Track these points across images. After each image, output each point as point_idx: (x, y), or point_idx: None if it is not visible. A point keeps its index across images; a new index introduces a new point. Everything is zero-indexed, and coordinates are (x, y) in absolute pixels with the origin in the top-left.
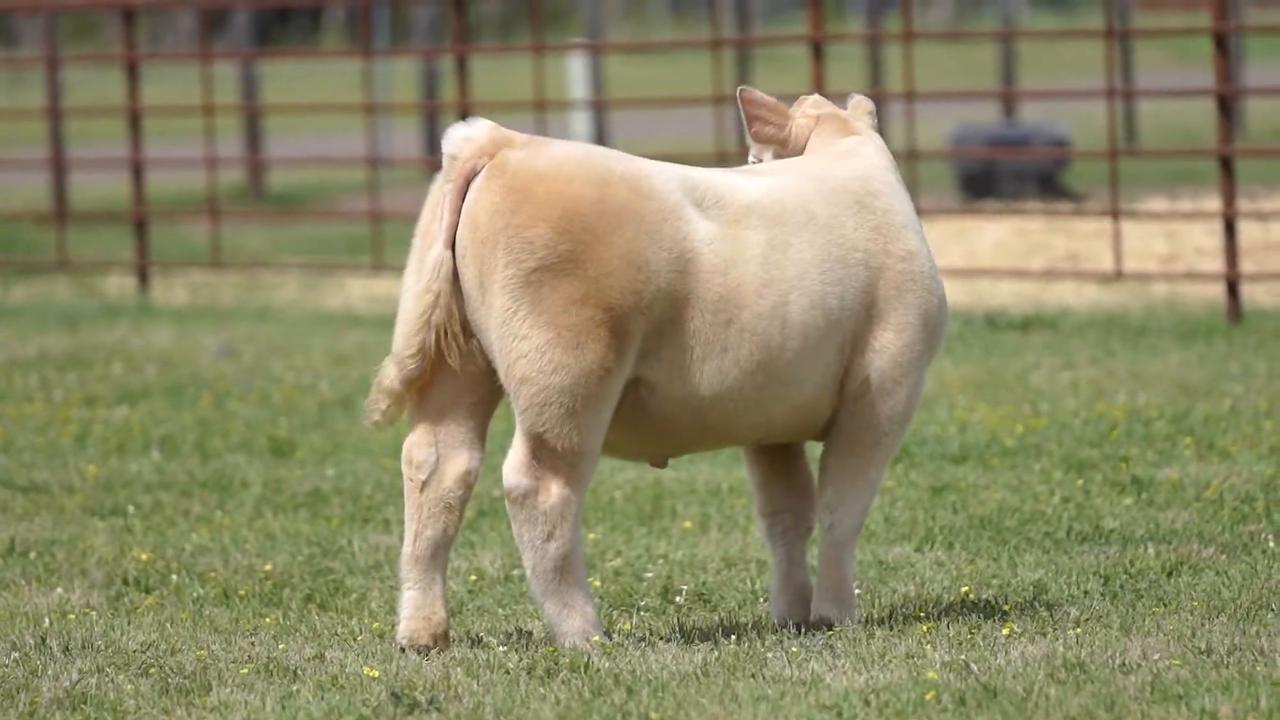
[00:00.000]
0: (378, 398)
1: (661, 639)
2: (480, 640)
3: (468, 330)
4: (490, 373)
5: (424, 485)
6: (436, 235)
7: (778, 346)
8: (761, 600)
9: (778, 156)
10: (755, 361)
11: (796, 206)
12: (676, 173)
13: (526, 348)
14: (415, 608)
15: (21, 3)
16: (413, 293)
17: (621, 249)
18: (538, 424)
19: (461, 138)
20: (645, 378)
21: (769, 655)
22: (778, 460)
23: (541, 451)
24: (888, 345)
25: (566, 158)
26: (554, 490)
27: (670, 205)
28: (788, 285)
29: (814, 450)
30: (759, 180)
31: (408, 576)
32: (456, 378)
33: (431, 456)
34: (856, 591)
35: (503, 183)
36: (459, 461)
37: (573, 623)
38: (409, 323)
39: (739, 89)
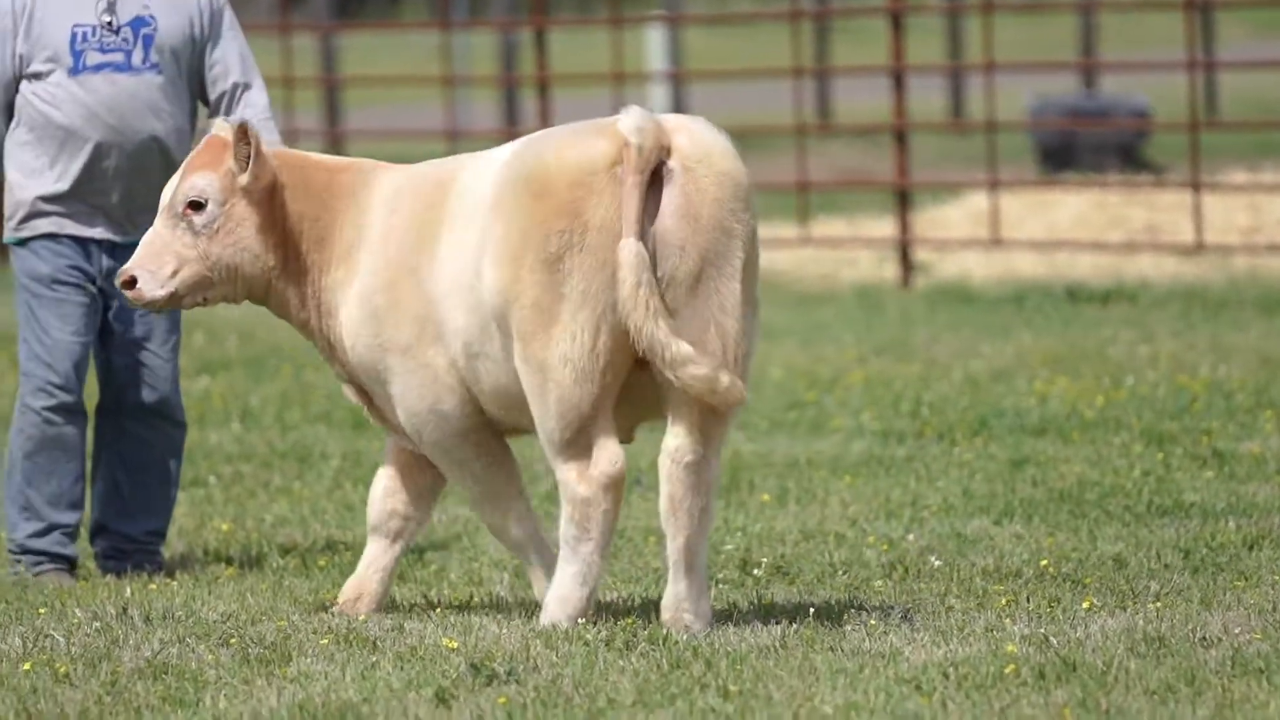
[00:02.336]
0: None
1: (740, 611)
2: None
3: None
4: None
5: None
6: (626, 229)
7: None
8: (841, 573)
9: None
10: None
11: None
12: None
13: (748, 322)
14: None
15: None
16: (630, 301)
17: None
18: (729, 392)
19: (637, 127)
20: None
21: (848, 628)
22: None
23: (712, 420)
24: None
25: (718, 132)
26: (714, 463)
27: None
28: None
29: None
30: None
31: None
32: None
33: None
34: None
35: (718, 172)
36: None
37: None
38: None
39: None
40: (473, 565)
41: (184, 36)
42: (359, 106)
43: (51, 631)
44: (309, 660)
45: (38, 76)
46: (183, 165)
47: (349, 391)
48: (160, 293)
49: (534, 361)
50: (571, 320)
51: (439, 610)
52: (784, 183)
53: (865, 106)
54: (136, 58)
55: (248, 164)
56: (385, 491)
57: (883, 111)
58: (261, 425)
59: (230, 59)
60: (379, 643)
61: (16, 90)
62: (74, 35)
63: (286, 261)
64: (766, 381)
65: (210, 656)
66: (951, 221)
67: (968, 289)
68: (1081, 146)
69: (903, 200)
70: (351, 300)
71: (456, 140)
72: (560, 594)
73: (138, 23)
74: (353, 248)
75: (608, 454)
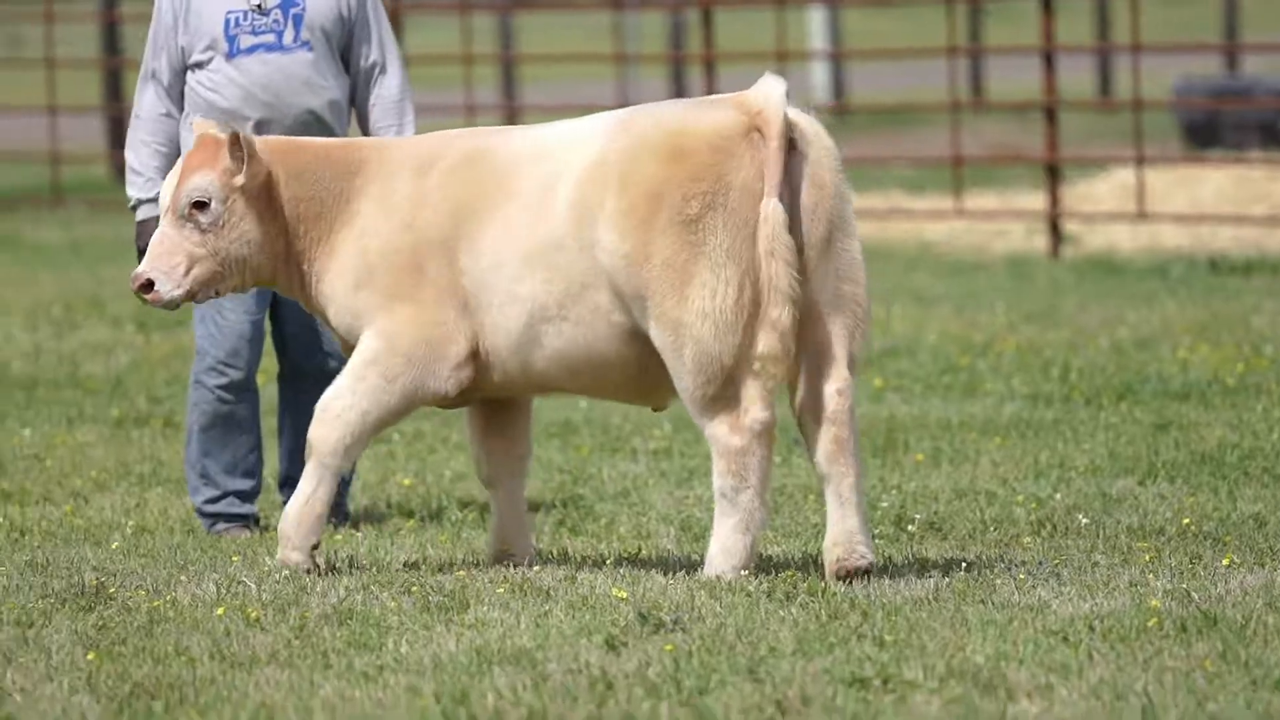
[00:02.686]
0: (768, 365)
1: (895, 565)
2: None
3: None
4: None
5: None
6: (769, 190)
7: None
8: (992, 529)
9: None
10: None
11: None
12: None
13: (867, 282)
14: None
15: None
16: (767, 250)
17: None
18: (864, 341)
19: (780, 97)
20: None
21: (998, 582)
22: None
23: (855, 368)
24: None
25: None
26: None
27: None
28: None
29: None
30: None
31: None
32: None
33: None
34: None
35: (826, 145)
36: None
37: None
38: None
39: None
40: (641, 520)
41: (334, 16)
42: (534, 82)
43: (244, 578)
44: (486, 608)
45: (200, 65)
46: (179, 165)
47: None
48: (177, 293)
49: (668, 320)
50: (713, 277)
51: (609, 562)
52: (939, 157)
53: (1017, 85)
54: (288, 37)
55: (243, 164)
56: (484, 444)
57: (1033, 90)
58: None
59: (371, 40)
60: (552, 592)
61: (184, 82)
62: (227, 21)
63: (289, 244)
64: (922, 346)
65: (393, 603)
66: (1099, 195)
67: (1114, 260)
68: (1224, 125)
69: (1052, 175)
70: (366, 253)
71: None
72: (723, 545)
73: (287, 4)
74: (360, 214)
75: (757, 401)
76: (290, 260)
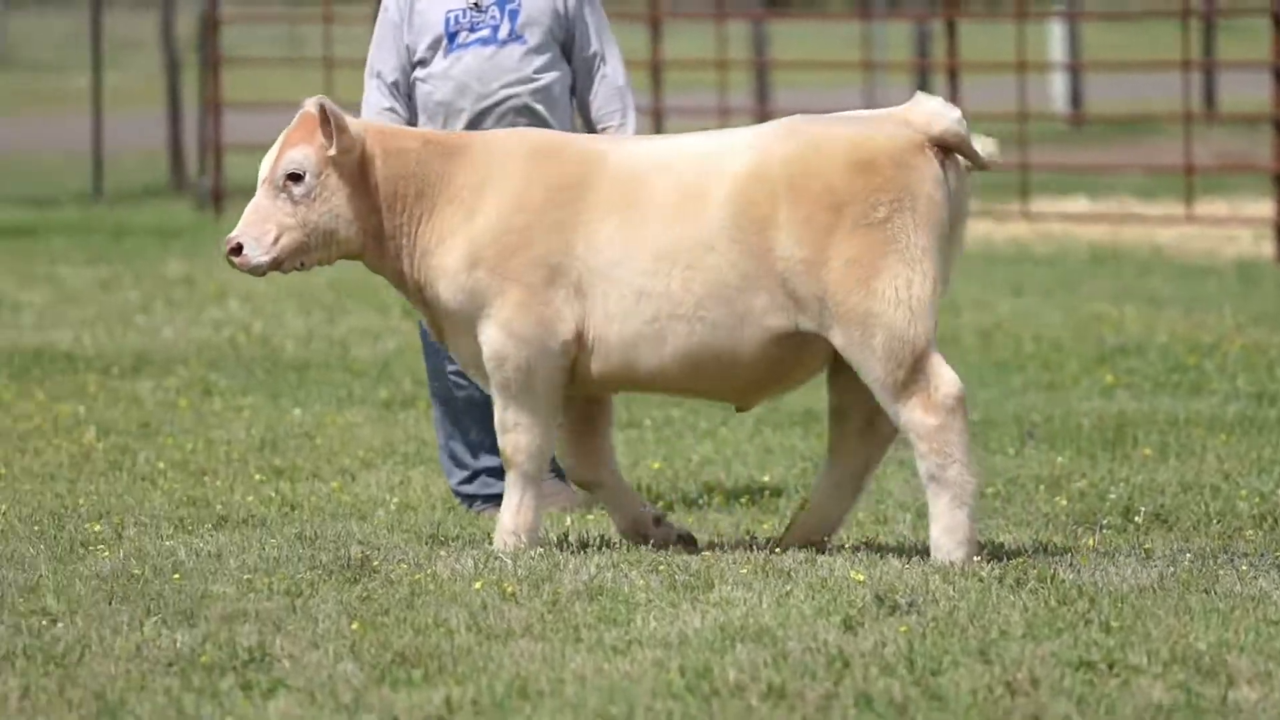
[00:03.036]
0: None
1: (1122, 555)
2: None
3: None
4: None
5: None
6: (973, 154)
7: None
8: (1215, 522)
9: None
10: None
11: None
12: None
13: None
14: None
15: None
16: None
17: None
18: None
19: (956, 110)
20: None
21: (1220, 573)
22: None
23: None
24: None
25: None
26: None
27: None
28: None
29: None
30: None
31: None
32: None
33: None
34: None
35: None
36: None
37: None
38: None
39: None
40: (879, 507)
41: (549, 10)
42: (785, 88)
43: (500, 555)
44: (729, 587)
45: (422, 63)
46: (279, 139)
47: (435, 333)
48: (265, 259)
49: (855, 314)
50: (907, 269)
51: (847, 546)
52: (1171, 166)
53: (1248, 98)
54: (503, 31)
55: (333, 136)
56: (576, 448)
57: (1263, 103)
58: None
59: (589, 33)
60: (792, 573)
61: (409, 79)
62: (448, 19)
63: (380, 222)
64: (1152, 345)
65: (641, 581)
66: None
67: None
68: None
69: None
70: (477, 233)
71: None
72: (943, 525)
73: (503, 0)
74: (468, 194)
75: (945, 378)
76: (382, 237)
